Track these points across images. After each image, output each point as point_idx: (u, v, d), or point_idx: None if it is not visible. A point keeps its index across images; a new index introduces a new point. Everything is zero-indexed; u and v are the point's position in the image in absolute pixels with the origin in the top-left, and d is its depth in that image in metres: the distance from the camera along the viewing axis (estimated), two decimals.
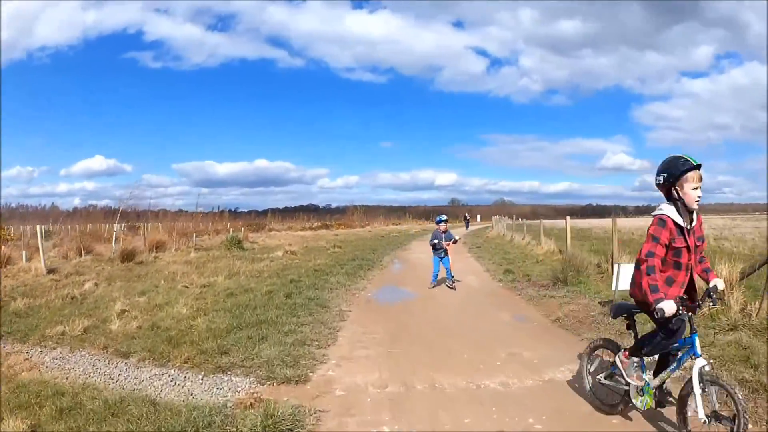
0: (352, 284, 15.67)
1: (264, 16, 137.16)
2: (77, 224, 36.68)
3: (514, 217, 43.47)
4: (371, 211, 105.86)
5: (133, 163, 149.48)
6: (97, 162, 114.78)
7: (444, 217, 15.98)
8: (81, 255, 23.57)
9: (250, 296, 13.03)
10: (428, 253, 27.13)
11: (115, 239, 26.44)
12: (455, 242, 16.03)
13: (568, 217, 21.60)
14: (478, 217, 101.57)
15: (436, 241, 15.28)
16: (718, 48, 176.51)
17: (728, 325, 9.04)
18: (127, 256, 21.85)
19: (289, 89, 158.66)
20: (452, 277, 15.35)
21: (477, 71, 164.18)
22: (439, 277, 15.52)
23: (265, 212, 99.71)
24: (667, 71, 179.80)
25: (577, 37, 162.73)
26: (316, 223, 79.35)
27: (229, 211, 76.12)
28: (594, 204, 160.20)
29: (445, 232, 15.41)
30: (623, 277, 10.89)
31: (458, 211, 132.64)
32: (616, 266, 11.12)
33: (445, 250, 15.28)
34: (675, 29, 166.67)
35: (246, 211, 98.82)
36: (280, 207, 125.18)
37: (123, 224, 34.24)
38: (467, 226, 69.66)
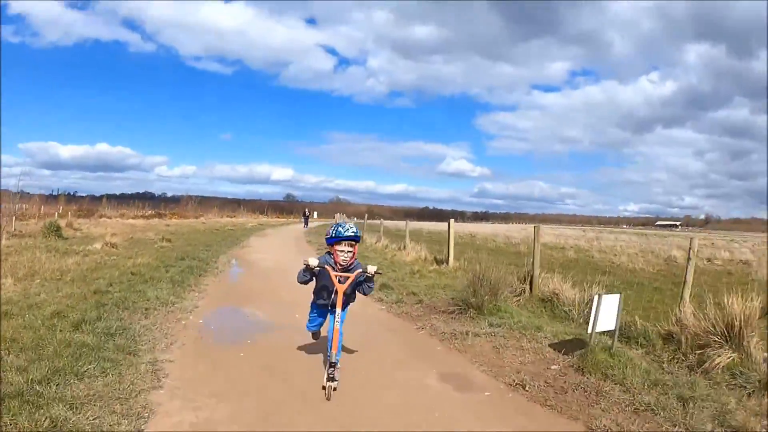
0: (178, 301, 10.88)
1: None
2: None
3: (365, 217, 39.43)
4: (207, 203, 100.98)
5: None
6: None
7: (350, 226, 6.57)
8: None
9: (27, 320, 8.26)
10: (272, 254, 23.44)
11: None
12: (369, 280, 6.67)
13: (452, 220, 18.55)
14: (315, 213, 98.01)
15: (314, 266, 6.47)
16: (574, 64, 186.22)
17: (757, 382, 6.54)
18: None
19: (136, 74, 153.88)
20: (337, 358, 6.34)
21: (324, 69, 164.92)
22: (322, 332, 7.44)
23: (101, 198, 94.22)
24: (518, 83, 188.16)
25: (429, 42, 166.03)
26: (149, 212, 74.26)
27: (67, 194, 71.58)
28: (431, 207, 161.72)
29: (349, 265, 6.51)
30: (605, 313, 7.45)
31: (293, 207, 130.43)
32: (595, 298, 7.43)
33: (346, 298, 6.61)
34: (532, 43, 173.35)
35: (83, 195, 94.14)
36: (117, 193, 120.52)
37: None
38: (306, 223, 63.24)
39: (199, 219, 69.04)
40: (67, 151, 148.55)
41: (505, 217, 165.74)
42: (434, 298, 12.36)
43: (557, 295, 11.17)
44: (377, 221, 37.32)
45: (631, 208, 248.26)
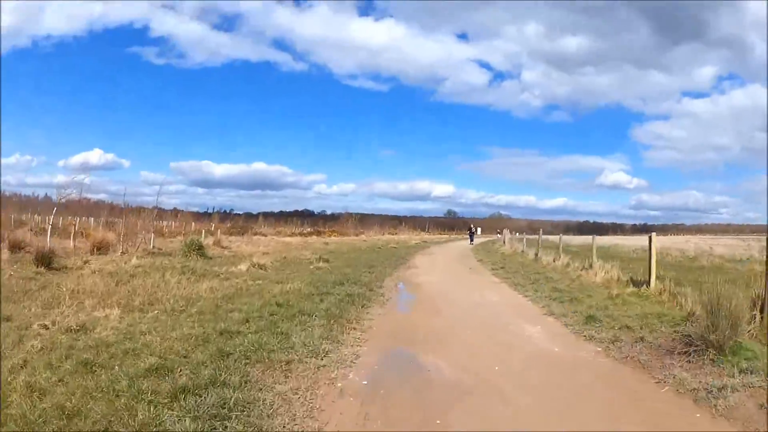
0: (333, 348, 7.91)
1: (270, 18, 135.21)
2: (60, 216, 32.90)
3: (540, 232, 35.66)
4: (366, 220, 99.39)
5: (132, 158, 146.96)
6: (96, 155, 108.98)
7: None
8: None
9: (110, 378, 5.87)
10: (443, 276, 21.22)
11: (50, 235, 21.67)
12: None
13: (653, 234, 15.17)
14: (479, 230, 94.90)
15: None
16: (721, 69, 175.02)
17: None
18: (43, 259, 16.07)
19: (290, 93, 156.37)
20: None
21: (479, 84, 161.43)
22: None
23: (257, 215, 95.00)
24: (669, 91, 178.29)
25: (580, 53, 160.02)
26: (307, 229, 73.47)
27: (223, 212, 72.29)
28: (591, 221, 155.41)
29: None
30: None
31: (455, 223, 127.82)
32: None
33: None
34: (679, 49, 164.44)
35: (239, 213, 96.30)
36: (275, 211, 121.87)
37: (101, 219, 32.91)
38: (472, 239, 59.54)
39: (360, 236, 67.24)
40: (221, 170, 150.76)
41: (663, 229, 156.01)
42: (655, 333, 9.14)
43: None
44: (547, 237, 33.49)
45: None
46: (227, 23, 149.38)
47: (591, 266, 18.98)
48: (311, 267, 20.34)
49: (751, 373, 6.52)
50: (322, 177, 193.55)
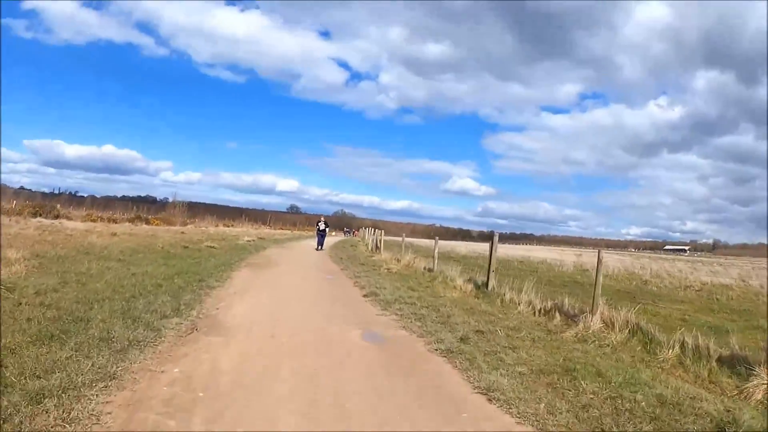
0: None
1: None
2: None
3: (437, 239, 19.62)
4: (198, 208, 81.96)
5: None
6: None
7: None
8: None
9: None
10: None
11: None
12: None
13: None
14: (324, 225, 79.92)
15: None
16: (585, 87, 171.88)
17: None
18: None
19: (148, 77, 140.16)
20: None
21: (336, 82, 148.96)
22: None
23: (99, 199, 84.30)
24: (528, 104, 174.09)
25: (442, 60, 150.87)
26: (125, 215, 55.82)
27: (69, 194, 73.29)
28: (437, 225, 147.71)
29: None
30: None
31: (297, 218, 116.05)
32: None
33: None
34: (544, 64, 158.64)
35: (83, 195, 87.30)
36: (119, 196, 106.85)
37: None
38: (321, 243, 34.67)
39: (186, 226, 50.40)
40: (72, 151, 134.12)
41: (511, 237, 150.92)
42: None
43: None
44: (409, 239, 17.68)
45: (634, 232, 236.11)
46: (97, 1, 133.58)
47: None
48: None
49: None
50: (169, 164, 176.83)
